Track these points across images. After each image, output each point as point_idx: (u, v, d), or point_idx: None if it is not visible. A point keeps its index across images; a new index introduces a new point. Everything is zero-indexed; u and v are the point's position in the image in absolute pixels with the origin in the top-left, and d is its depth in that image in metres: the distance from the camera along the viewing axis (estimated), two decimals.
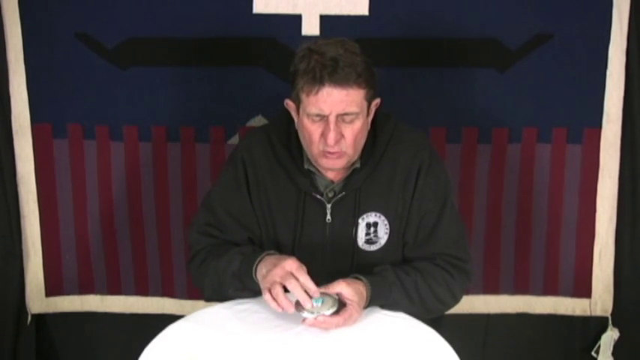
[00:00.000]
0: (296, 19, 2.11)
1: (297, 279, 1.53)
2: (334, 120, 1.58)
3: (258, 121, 2.17)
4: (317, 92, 1.56)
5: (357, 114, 1.60)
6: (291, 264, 1.54)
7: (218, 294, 1.73)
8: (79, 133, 2.22)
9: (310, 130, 1.62)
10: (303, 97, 1.59)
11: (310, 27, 2.12)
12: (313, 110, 1.58)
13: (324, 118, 1.59)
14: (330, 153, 1.62)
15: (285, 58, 2.03)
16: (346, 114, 1.59)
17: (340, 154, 1.63)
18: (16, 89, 2.18)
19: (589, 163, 2.20)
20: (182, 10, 2.11)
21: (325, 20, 2.11)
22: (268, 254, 1.64)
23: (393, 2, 2.10)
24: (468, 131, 2.19)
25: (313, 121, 1.61)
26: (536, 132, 2.19)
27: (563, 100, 2.16)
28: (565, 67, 2.13)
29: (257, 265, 1.62)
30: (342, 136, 1.61)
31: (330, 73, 1.54)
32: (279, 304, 1.53)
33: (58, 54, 2.15)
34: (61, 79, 2.17)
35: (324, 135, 1.60)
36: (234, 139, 2.19)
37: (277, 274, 1.54)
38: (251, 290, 1.65)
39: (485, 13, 2.10)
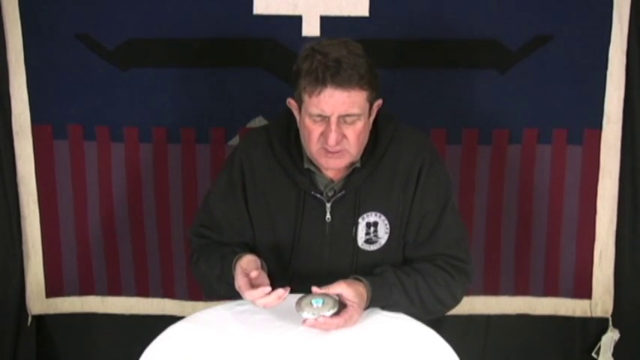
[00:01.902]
0: (296, 20, 2.11)
1: (250, 285, 1.57)
2: (335, 121, 1.59)
3: (259, 122, 2.17)
4: (319, 93, 1.56)
5: (358, 115, 1.60)
6: (238, 272, 1.61)
7: (213, 294, 1.79)
8: (80, 133, 2.22)
9: (310, 129, 1.62)
10: (306, 97, 1.59)
11: (310, 28, 2.12)
12: (315, 111, 1.59)
13: (325, 118, 1.59)
14: (330, 152, 1.62)
15: (286, 59, 2.04)
16: (348, 115, 1.59)
17: (341, 154, 1.63)
18: (17, 90, 2.18)
19: (589, 164, 2.20)
20: (183, 11, 2.11)
21: (325, 21, 2.11)
22: (240, 256, 1.67)
23: (393, 3, 2.10)
24: (469, 132, 2.19)
25: (314, 121, 1.61)
26: (536, 133, 2.19)
27: (564, 101, 2.16)
28: (565, 68, 2.13)
29: (235, 268, 1.65)
30: (344, 136, 1.61)
31: (333, 74, 1.55)
32: (269, 302, 1.56)
33: (58, 55, 2.15)
34: (61, 80, 2.17)
35: (324, 135, 1.61)
36: (235, 140, 2.19)
37: (238, 285, 1.60)
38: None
39: (485, 14, 2.10)
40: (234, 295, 1.69)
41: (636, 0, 2.08)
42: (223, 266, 1.68)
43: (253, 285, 1.58)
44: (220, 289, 1.71)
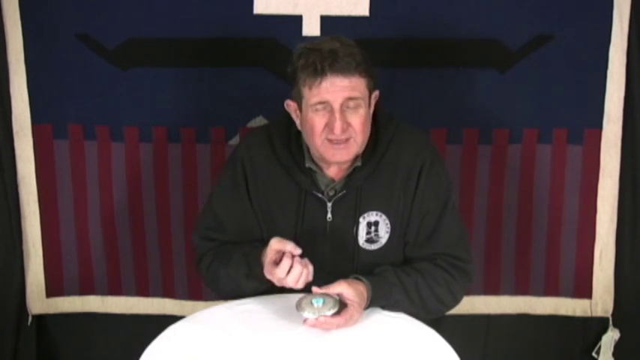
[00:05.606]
0: (296, 20, 2.11)
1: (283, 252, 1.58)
2: (339, 109, 1.59)
3: (259, 121, 2.17)
4: (320, 83, 1.58)
5: (361, 99, 1.61)
6: (271, 244, 1.60)
7: (236, 295, 1.74)
8: (80, 133, 2.22)
9: (314, 122, 1.62)
10: (306, 91, 1.60)
11: (311, 28, 2.12)
12: (316, 99, 1.59)
13: (328, 107, 1.60)
14: (336, 144, 1.62)
15: (286, 59, 2.03)
16: (350, 99, 1.60)
17: (348, 143, 1.63)
18: (17, 90, 2.18)
19: (589, 163, 2.20)
20: (183, 10, 2.11)
21: (326, 21, 2.11)
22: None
23: (393, 3, 2.10)
24: (469, 132, 2.19)
25: (317, 112, 1.61)
26: (536, 133, 2.19)
27: (564, 100, 2.16)
28: (566, 68, 2.13)
29: (263, 258, 1.64)
30: (349, 124, 1.61)
31: (331, 63, 1.57)
32: (296, 278, 1.57)
33: (58, 55, 2.15)
34: (61, 80, 2.17)
35: (328, 125, 1.61)
36: (235, 140, 2.19)
37: (269, 260, 1.60)
38: (268, 282, 1.65)
39: (485, 13, 2.10)
40: (261, 292, 1.71)
41: (636, 0, 2.08)
42: (249, 262, 1.66)
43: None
44: (249, 286, 1.69)
